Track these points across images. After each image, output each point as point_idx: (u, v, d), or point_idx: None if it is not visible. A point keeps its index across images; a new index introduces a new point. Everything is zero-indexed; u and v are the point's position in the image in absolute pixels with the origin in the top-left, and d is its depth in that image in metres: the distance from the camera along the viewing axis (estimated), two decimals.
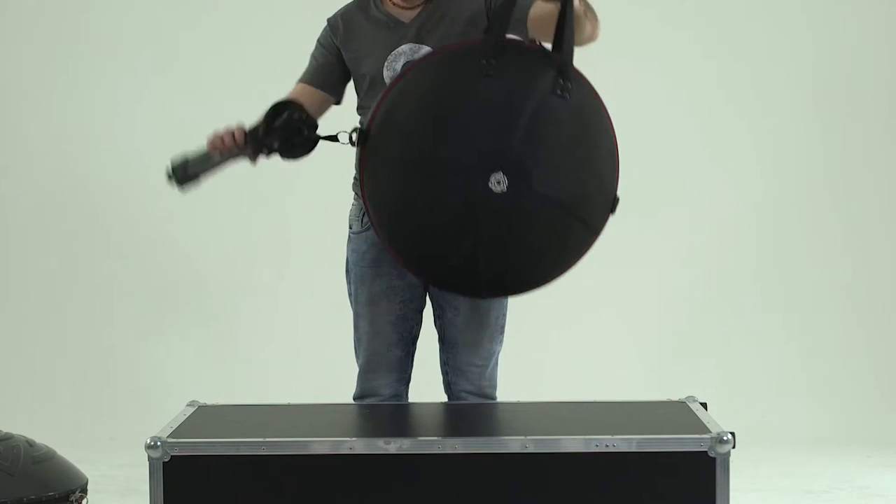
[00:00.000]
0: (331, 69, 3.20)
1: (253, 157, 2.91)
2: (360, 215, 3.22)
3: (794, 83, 5.64)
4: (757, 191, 5.64)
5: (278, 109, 2.90)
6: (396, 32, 3.11)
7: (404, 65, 3.04)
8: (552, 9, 2.88)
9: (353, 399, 3.27)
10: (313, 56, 3.25)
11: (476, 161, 2.69)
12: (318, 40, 3.24)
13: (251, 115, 5.67)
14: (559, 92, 2.76)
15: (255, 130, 2.89)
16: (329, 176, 5.34)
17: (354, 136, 2.89)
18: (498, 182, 2.69)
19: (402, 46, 3.10)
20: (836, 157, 5.66)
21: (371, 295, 3.19)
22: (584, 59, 5.60)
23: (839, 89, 5.65)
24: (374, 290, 3.19)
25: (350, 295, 3.27)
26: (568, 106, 2.77)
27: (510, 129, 2.70)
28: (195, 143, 5.78)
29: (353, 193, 3.29)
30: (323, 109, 3.24)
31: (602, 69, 5.52)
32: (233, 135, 2.96)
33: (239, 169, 5.65)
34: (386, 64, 3.09)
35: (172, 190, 5.78)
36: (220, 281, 5.61)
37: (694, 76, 5.61)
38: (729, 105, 5.62)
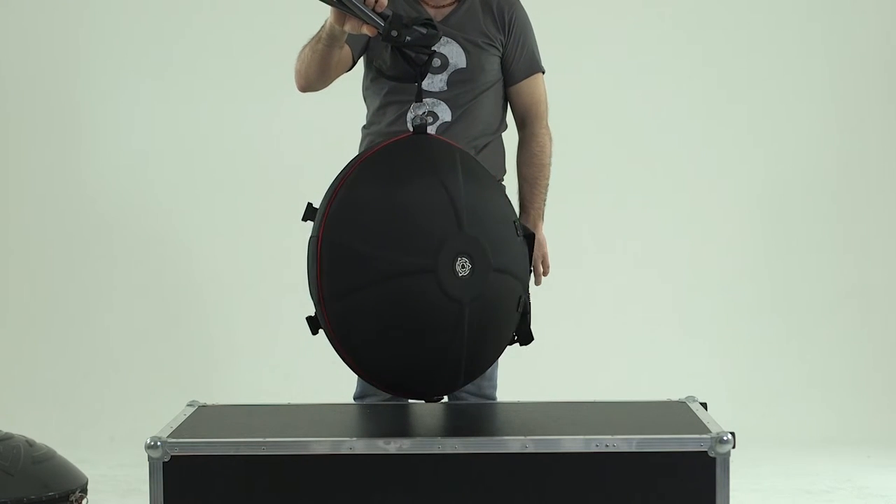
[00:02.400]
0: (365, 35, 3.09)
1: (378, 30, 2.71)
2: None
3: (798, 83, 5.64)
4: (758, 191, 5.64)
5: (429, 23, 2.77)
6: None
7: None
8: (527, 98, 3.27)
9: (354, 399, 3.27)
10: None
11: (439, 255, 2.63)
12: None
13: (252, 115, 5.69)
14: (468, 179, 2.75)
15: (401, 15, 2.73)
16: (329, 176, 5.36)
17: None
18: (462, 266, 2.65)
19: None
20: (837, 158, 5.66)
21: None
22: (585, 59, 5.61)
23: (843, 89, 5.65)
24: None
25: None
26: (484, 191, 2.76)
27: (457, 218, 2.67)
28: (196, 143, 5.81)
29: None
30: (339, 68, 3.14)
31: (604, 68, 5.56)
32: None
33: (235, 167, 5.67)
34: None
35: (173, 190, 5.77)
36: (220, 281, 5.61)
37: (696, 75, 5.61)
38: (731, 105, 5.63)
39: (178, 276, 5.62)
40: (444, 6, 3.19)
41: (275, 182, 5.59)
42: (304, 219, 2.72)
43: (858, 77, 5.65)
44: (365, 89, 3.30)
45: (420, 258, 2.61)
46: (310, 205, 2.74)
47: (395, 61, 2.79)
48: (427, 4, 3.18)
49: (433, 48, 2.78)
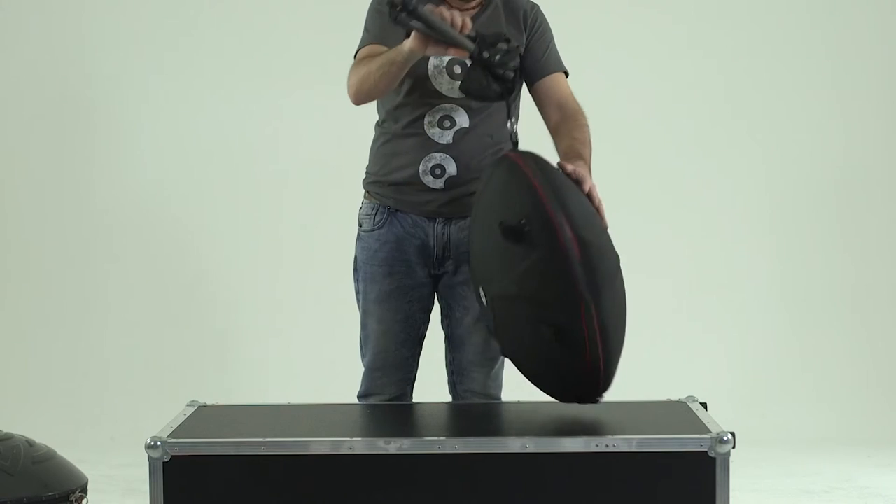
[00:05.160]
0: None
1: (467, 51, 2.74)
2: (372, 214, 3.21)
3: (799, 83, 5.64)
4: (758, 191, 5.64)
5: (507, 37, 2.80)
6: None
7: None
8: (558, 92, 3.18)
9: (358, 397, 3.26)
10: (377, 16, 3.10)
11: None
12: (378, 2, 3.12)
13: (253, 115, 5.69)
14: None
15: (486, 34, 2.77)
16: (328, 175, 5.36)
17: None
18: None
19: None
20: (838, 159, 5.65)
21: (381, 293, 3.19)
22: (588, 60, 5.60)
23: (843, 89, 5.65)
24: (384, 288, 3.18)
25: (357, 293, 3.26)
26: None
27: None
28: (197, 143, 5.80)
29: (364, 192, 3.27)
30: None
31: (606, 69, 5.56)
32: (462, 18, 2.79)
33: (237, 167, 5.67)
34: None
35: (173, 190, 5.74)
36: (220, 281, 5.60)
37: (698, 76, 5.61)
38: (732, 105, 5.62)
39: (178, 276, 5.62)
40: (467, 9, 3.16)
41: (276, 182, 5.59)
42: (516, 242, 2.64)
43: (861, 78, 5.64)
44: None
45: None
46: (505, 226, 2.65)
47: (486, 78, 2.78)
48: (451, 6, 3.16)
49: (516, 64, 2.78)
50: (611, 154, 5.51)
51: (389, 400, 3.19)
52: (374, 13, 3.14)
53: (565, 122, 3.14)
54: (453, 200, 3.15)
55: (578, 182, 2.83)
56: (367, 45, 3.08)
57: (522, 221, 2.62)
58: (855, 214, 5.66)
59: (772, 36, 5.64)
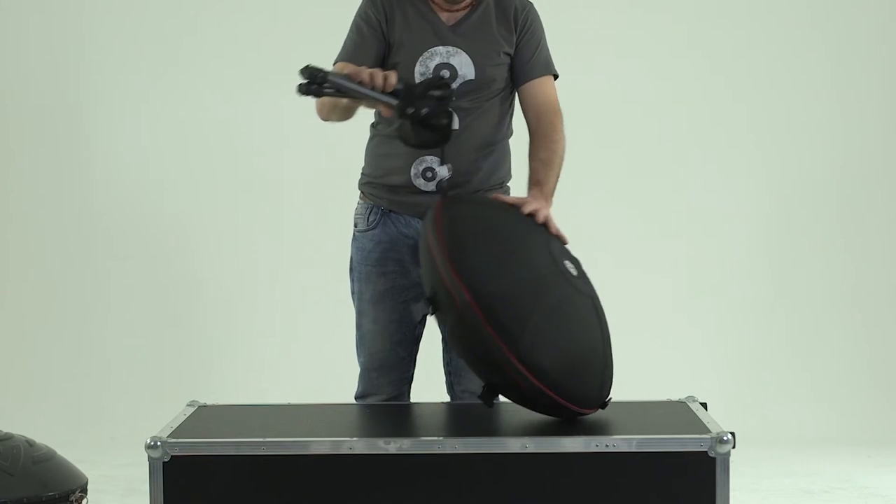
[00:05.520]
0: (376, 46, 3.10)
1: (392, 109, 2.74)
2: (366, 214, 3.22)
3: (799, 83, 5.64)
4: (759, 191, 5.64)
5: (441, 83, 2.80)
6: (437, 29, 3.12)
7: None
8: (543, 96, 3.16)
9: (355, 398, 3.26)
10: (354, 32, 3.15)
11: None
12: (360, 16, 3.15)
13: (253, 114, 5.69)
14: None
15: (413, 86, 2.75)
16: (327, 175, 5.36)
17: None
18: None
19: (439, 46, 3.10)
20: (837, 159, 5.65)
21: (375, 293, 3.19)
22: (587, 60, 5.61)
23: (843, 89, 5.65)
24: (378, 288, 3.19)
25: (353, 293, 3.26)
26: None
27: None
28: (197, 144, 5.81)
29: (359, 192, 3.28)
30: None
31: (604, 68, 5.56)
32: (384, 76, 2.76)
33: (237, 167, 5.67)
34: (420, 59, 3.08)
35: (173, 190, 5.73)
36: (220, 281, 5.60)
37: (698, 76, 5.61)
38: (732, 105, 5.62)
39: (178, 276, 5.62)
40: (457, 10, 3.16)
41: (276, 182, 5.59)
42: (433, 313, 2.76)
43: (861, 79, 5.64)
44: None
45: None
46: (426, 297, 2.77)
47: (417, 131, 2.78)
48: (440, 8, 3.16)
49: (450, 108, 2.77)
50: (611, 154, 5.56)
51: (387, 400, 3.19)
52: (353, 27, 3.17)
53: (537, 137, 3.16)
54: None
55: (531, 215, 2.90)
56: (342, 61, 3.11)
57: (433, 289, 2.70)
58: (855, 214, 5.66)
59: (772, 36, 5.63)
